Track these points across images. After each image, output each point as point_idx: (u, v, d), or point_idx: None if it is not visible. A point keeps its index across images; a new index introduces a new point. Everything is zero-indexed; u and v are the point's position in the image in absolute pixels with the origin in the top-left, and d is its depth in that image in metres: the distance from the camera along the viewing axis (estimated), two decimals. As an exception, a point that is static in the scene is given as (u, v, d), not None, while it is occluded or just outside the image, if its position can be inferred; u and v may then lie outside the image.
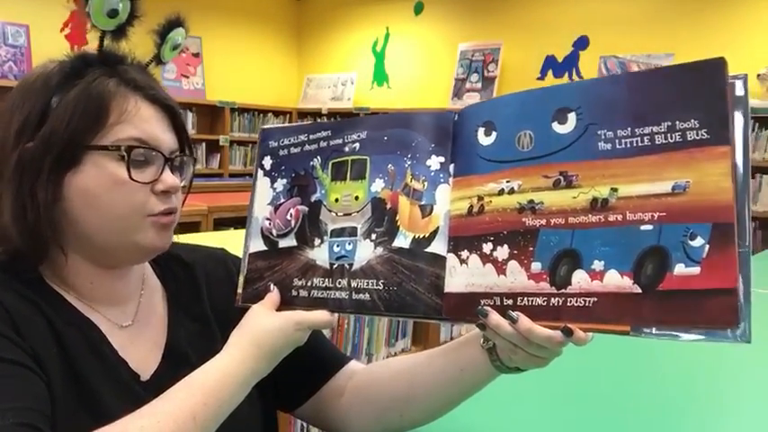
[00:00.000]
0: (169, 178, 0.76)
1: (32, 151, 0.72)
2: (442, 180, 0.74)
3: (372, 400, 0.86)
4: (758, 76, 4.16)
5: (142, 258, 0.81)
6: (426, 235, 0.72)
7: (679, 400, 1.17)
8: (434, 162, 0.74)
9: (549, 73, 5.21)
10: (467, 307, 0.69)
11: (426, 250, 0.72)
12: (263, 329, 0.73)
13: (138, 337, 0.80)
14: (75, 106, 0.73)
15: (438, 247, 0.72)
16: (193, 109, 5.93)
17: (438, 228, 0.72)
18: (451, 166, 0.74)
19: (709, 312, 0.56)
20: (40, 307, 0.72)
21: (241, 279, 0.80)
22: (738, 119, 0.60)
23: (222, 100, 6.04)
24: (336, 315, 0.75)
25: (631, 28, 4.80)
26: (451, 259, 0.71)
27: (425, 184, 0.74)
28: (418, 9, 6.13)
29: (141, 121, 0.75)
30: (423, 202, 0.73)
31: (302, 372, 0.90)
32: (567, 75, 5.13)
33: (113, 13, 0.81)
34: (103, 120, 0.73)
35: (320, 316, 0.74)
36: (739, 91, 0.61)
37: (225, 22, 6.38)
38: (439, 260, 0.71)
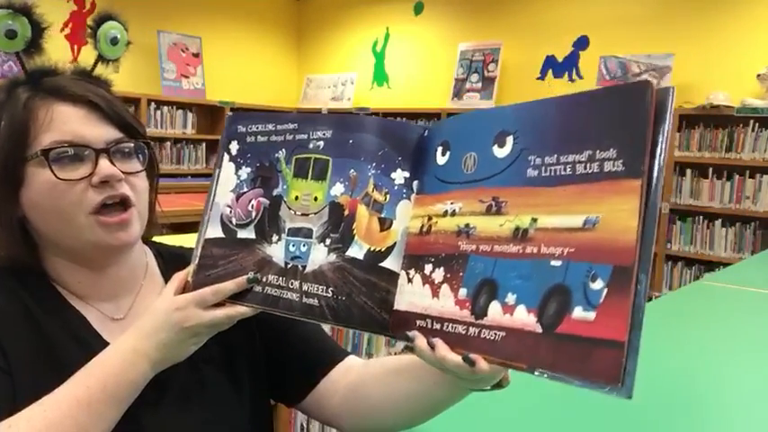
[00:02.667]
0: (105, 168, 0.77)
1: None
2: (404, 195, 0.73)
3: (360, 398, 0.87)
4: (758, 76, 4.15)
5: (108, 256, 0.82)
6: (382, 249, 0.71)
7: (677, 401, 1.16)
8: (399, 176, 0.73)
9: (549, 73, 5.20)
10: (405, 326, 0.68)
11: (380, 264, 0.71)
12: (150, 309, 0.75)
13: (128, 329, 0.82)
14: (4, 130, 0.78)
15: (392, 262, 0.71)
16: (193, 109, 5.92)
17: (395, 243, 0.71)
18: (415, 183, 0.73)
19: (595, 364, 0.54)
20: (24, 300, 0.78)
21: (193, 265, 0.78)
22: (662, 134, 0.56)
23: (222, 100, 6.04)
24: (242, 309, 0.73)
25: (631, 28, 4.79)
26: (402, 277, 0.70)
27: (387, 196, 0.72)
28: (418, 9, 6.12)
29: (60, 124, 0.77)
30: (382, 215, 0.72)
31: (300, 366, 0.91)
32: (566, 75, 5.12)
33: (12, 34, 0.82)
34: (27, 134, 0.77)
35: (204, 295, 0.72)
36: (667, 103, 0.56)
37: (225, 22, 6.37)
38: (392, 276, 0.71)
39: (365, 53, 6.52)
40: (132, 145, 0.82)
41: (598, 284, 0.55)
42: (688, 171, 4.41)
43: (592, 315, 0.55)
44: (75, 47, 5.04)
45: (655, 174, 0.55)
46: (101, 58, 0.90)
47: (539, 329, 0.58)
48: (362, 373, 0.88)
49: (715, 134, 4.29)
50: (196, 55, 6.03)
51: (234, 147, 0.82)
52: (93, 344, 0.77)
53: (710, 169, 4.33)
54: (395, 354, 2.32)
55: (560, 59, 5.15)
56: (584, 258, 0.57)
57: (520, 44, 5.40)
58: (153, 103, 5.52)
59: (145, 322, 0.74)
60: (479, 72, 5.53)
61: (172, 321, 0.72)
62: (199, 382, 0.83)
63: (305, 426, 1.85)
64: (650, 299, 3.87)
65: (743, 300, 1.96)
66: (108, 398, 0.70)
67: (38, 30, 0.84)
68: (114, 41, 0.90)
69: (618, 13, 4.89)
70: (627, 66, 4.68)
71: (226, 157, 0.82)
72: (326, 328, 0.97)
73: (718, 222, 4.33)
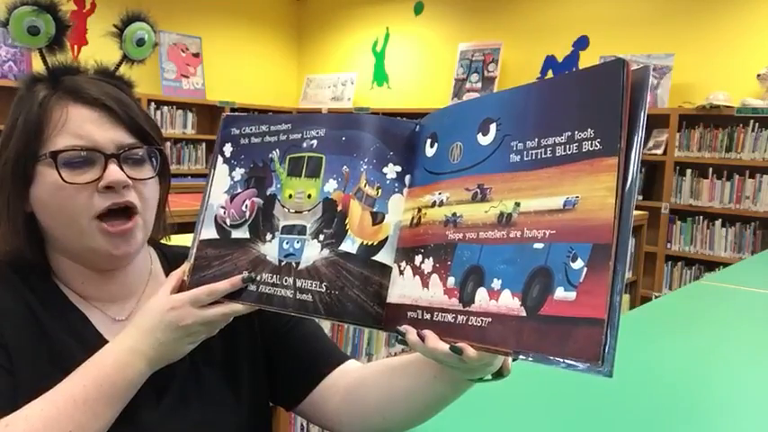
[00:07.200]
0: (112, 174, 0.77)
1: (1, 171, 0.79)
2: (396, 189, 0.73)
3: (359, 400, 0.86)
4: (758, 75, 4.15)
5: (109, 263, 0.82)
6: (375, 243, 0.72)
7: (677, 401, 1.16)
8: (391, 170, 0.74)
9: (550, 73, 5.20)
10: (397, 318, 0.69)
11: (373, 258, 0.71)
12: (144, 308, 0.75)
13: (125, 328, 0.82)
14: (19, 126, 0.78)
15: (385, 256, 0.71)
16: (193, 109, 5.92)
17: (387, 237, 0.72)
18: (407, 177, 0.74)
19: (576, 344, 0.54)
20: (27, 299, 0.78)
21: (188, 265, 0.79)
22: (641, 116, 0.56)
23: (222, 100, 6.04)
24: (237, 307, 0.73)
25: (631, 28, 4.79)
26: (394, 270, 0.71)
27: (379, 191, 0.73)
28: (418, 9, 6.12)
29: (74, 127, 0.77)
30: (374, 209, 0.73)
31: (299, 368, 0.91)
32: (567, 75, 5.12)
33: (35, 30, 0.81)
34: (40, 134, 0.77)
35: (199, 295, 0.73)
36: (644, 83, 0.56)
37: (225, 22, 6.37)
38: (384, 270, 0.71)
39: (365, 53, 6.52)
40: (144, 151, 0.81)
41: (578, 264, 0.56)
42: (688, 171, 4.41)
43: (572, 295, 0.55)
44: (75, 47, 5.04)
45: (633, 151, 0.55)
46: (125, 58, 0.89)
47: (523, 313, 0.58)
48: (361, 374, 0.88)
49: (715, 134, 4.29)
50: (196, 55, 6.03)
51: (228, 149, 0.82)
52: (94, 344, 0.77)
53: (710, 169, 4.33)
54: (395, 354, 2.32)
55: (560, 59, 5.15)
56: (564, 239, 0.57)
57: (520, 44, 5.40)
58: (153, 103, 5.52)
59: (141, 321, 0.74)
60: (479, 72, 5.53)
61: (167, 320, 0.73)
62: (198, 383, 0.83)
63: (305, 427, 1.85)
64: (650, 299, 3.87)
65: (743, 300, 1.96)
66: (104, 397, 0.70)
67: (62, 27, 0.83)
68: (140, 42, 0.89)
69: (618, 13, 4.89)
70: (627, 66, 4.68)
71: (220, 159, 0.83)
72: (326, 329, 0.97)
73: (718, 222, 4.33)
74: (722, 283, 2.14)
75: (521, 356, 0.58)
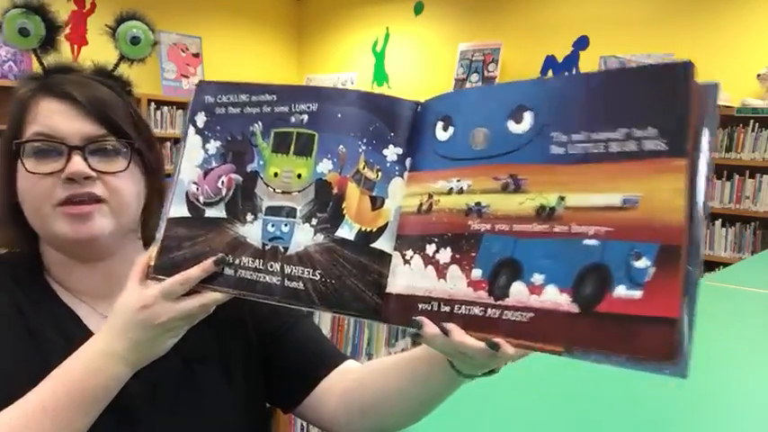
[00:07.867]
0: (74, 165, 0.76)
1: None
2: (396, 173, 0.69)
3: (356, 401, 0.86)
4: (758, 76, 4.15)
5: (79, 249, 0.81)
6: (374, 229, 0.67)
7: (676, 401, 1.16)
8: (391, 152, 0.69)
9: (550, 73, 5.19)
10: (405, 310, 0.65)
11: (372, 245, 0.67)
12: (115, 305, 0.70)
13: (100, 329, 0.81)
14: (7, 122, 0.81)
15: (385, 243, 0.67)
16: (193, 109, 5.93)
17: (387, 223, 0.68)
18: (408, 160, 0.70)
19: (647, 342, 0.52)
20: (14, 295, 0.79)
21: (155, 249, 0.73)
22: (705, 131, 0.55)
23: (222, 100, 6.04)
24: (215, 296, 0.68)
25: (631, 28, 4.79)
26: (396, 258, 0.67)
27: (379, 174, 0.69)
28: (418, 9, 6.12)
29: (43, 118, 0.79)
30: (374, 194, 0.68)
31: (295, 372, 0.90)
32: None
33: (25, 32, 0.83)
34: (20, 127, 0.80)
35: (171, 286, 0.67)
36: (711, 100, 0.56)
37: (225, 22, 6.37)
38: (384, 258, 0.67)
39: (365, 53, 6.51)
40: (114, 143, 0.80)
41: (643, 263, 0.54)
42: (688, 171, 4.40)
43: (637, 293, 0.54)
44: (75, 47, 5.03)
45: (701, 153, 0.54)
46: (123, 58, 0.90)
47: (575, 309, 0.56)
48: (359, 375, 0.88)
49: (715, 134, 4.28)
50: (196, 55, 6.03)
51: (200, 118, 0.75)
52: (82, 342, 0.75)
53: (710, 169, 4.33)
54: (395, 353, 2.32)
55: (560, 59, 5.14)
56: (624, 237, 0.55)
57: (520, 44, 5.39)
58: (153, 103, 5.51)
59: (113, 321, 0.70)
60: (479, 72, 5.53)
61: (139, 320, 0.68)
62: (192, 383, 0.83)
63: (305, 427, 1.85)
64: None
65: (743, 300, 1.96)
66: (74, 404, 0.67)
67: (53, 28, 0.85)
68: (135, 41, 0.90)
69: (618, 13, 4.89)
70: (627, 65, 4.69)
71: (191, 130, 0.76)
72: (326, 329, 0.97)
73: (718, 222, 4.32)
74: (722, 283, 2.14)
75: (574, 353, 0.56)
